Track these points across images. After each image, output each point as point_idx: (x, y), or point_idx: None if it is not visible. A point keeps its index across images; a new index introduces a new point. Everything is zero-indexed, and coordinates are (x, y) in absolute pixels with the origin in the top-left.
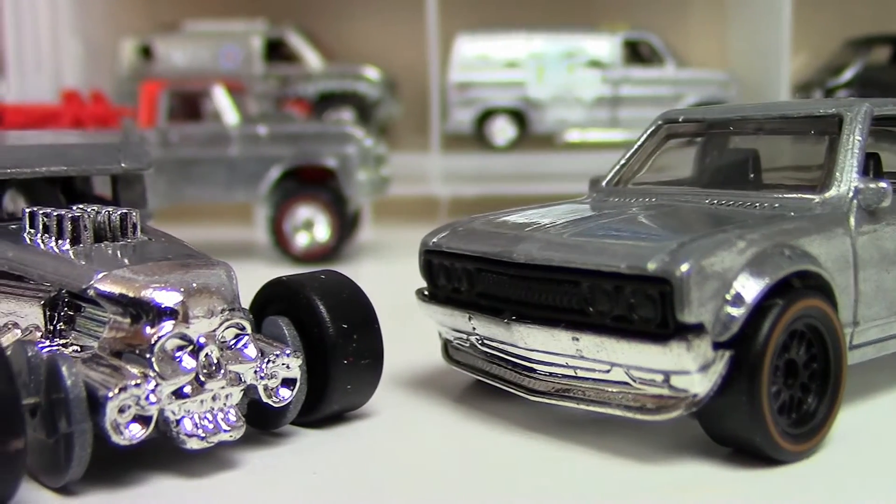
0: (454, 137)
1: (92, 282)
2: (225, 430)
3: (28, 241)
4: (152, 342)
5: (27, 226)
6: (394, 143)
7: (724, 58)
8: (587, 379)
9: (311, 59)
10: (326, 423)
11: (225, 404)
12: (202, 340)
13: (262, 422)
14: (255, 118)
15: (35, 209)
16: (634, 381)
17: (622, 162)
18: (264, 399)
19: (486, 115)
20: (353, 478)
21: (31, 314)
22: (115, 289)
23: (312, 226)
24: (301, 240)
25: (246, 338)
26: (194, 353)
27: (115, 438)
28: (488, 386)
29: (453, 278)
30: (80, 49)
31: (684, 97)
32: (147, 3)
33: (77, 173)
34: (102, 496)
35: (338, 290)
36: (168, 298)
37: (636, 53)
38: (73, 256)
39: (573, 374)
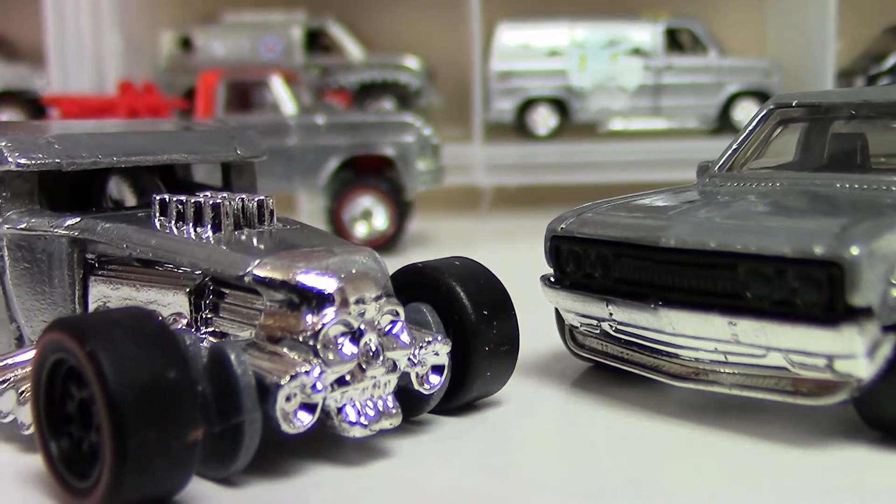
0: (495, 127)
1: (249, 268)
2: (386, 418)
3: (164, 229)
4: (316, 329)
5: (157, 213)
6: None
7: (763, 45)
8: (739, 364)
9: (352, 49)
10: (461, 410)
11: (384, 392)
12: (362, 327)
13: (404, 409)
14: (311, 108)
15: (166, 196)
16: (793, 365)
17: (734, 147)
18: (416, 386)
19: (528, 105)
20: (509, 466)
21: (176, 302)
22: (275, 275)
23: (371, 216)
24: (360, 230)
25: (400, 324)
26: (355, 340)
27: (285, 427)
28: (607, 372)
29: (585, 264)
30: (120, 42)
31: (726, 86)
32: None
33: (196, 161)
34: (263, 486)
35: (475, 277)
36: (329, 285)
37: (676, 42)
38: (222, 244)
39: (723, 359)
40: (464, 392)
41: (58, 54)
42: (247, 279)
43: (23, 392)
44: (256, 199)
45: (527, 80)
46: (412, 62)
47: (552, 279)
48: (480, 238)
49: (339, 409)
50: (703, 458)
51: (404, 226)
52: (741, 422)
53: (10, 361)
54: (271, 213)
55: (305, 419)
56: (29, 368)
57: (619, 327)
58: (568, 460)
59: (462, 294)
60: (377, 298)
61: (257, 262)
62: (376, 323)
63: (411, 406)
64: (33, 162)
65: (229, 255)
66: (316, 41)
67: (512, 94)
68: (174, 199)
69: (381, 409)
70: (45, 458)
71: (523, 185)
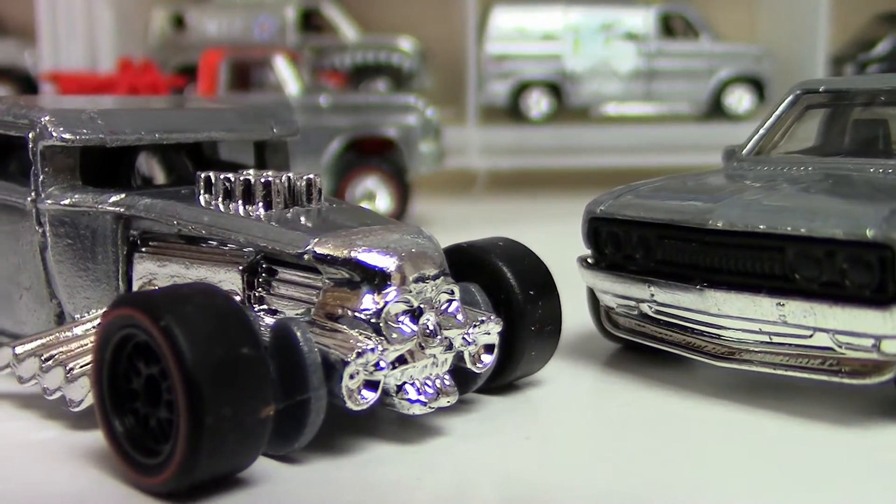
0: (488, 110)
1: (309, 246)
2: (443, 396)
3: (210, 206)
4: (378, 307)
5: (202, 190)
6: None
7: (753, 30)
8: (783, 344)
9: (346, 30)
10: (502, 390)
11: (442, 370)
12: (421, 305)
13: None
14: (314, 88)
15: (212, 174)
16: (839, 346)
17: (761, 133)
18: (469, 365)
19: (522, 88)
20: (557, 444)
21: (228, 279)
22: (336, 253)
23: (374, 197)
24: None
25: (456, 303)
26: (414, 319)
27: (350, 404)
28: (637, 352)
29: (626, 246)
30: (112, 18)
31: (718, 71)
32: None
33: (234, 139)
34: (326, 463)
35: (520, 257)
36: (390, 263)
37: (668, 27)
38: (277, 221)
39: (767, 339)
40: (509, 371)
41: (50, 31)
42: (306, 257)
43: (71, 369)
44: (305, 178)
45: (521, 64)
46: (406, 44)
47: (589, 260)
48: (477, 220)
49: (399, 387)
50: (746, 436)
51: (407, 207)
52: (778, 401)
53: (53, 337)
54: (319, 191)
55: (369, 396)
56: (75, 345)
57: (660, 308)
58: (612, 439)
59: (509, 274)
60: (435, 277)
61: (317, 239)
62: (434, 301)
63: (459, 385)
64: (77, 137)
65: (287, 233)
66: (309, 21)
67: (506, 78)
68: (221, 176)
69: (439, 386)
70: (108, 435)
71: (517, 169)
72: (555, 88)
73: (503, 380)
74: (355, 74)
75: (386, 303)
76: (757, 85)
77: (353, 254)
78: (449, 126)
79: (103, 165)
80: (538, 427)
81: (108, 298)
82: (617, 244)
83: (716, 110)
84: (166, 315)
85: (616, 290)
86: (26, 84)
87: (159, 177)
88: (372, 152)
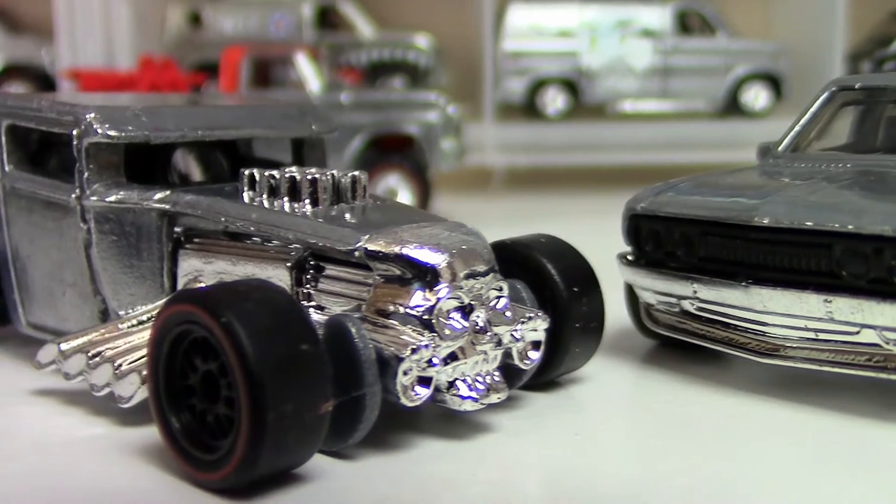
0: (504, 107)
1: (360, 243)
2: (494, 392)
3: (254, 203)
4: (431, 304)
5: (246, 187)
6: None
7: (769, 27)
8: (829, 341)
9: (363, 27)
10: (545, 386)
11: (492, 366)
12: (472, 302)
13: None
14: (334, 85)
15: (255, 171)
16: (886, 342)
17: (796, 130)
18: (516, 361)
19: (539, 85)
20: (604, 442)
21: (276, 276)
22: (387, 249)
23: (396, 194)
24: None
25: (504, 300)
26: (465, 315)
27: (404, 400)
28: (675, 349)
29: (667, 243)
30: (129, 16)
31: (734, 68)
32: None
33: (273, 136)
34: (379, 459)
35: (563, 254)
36: (441, 260)
37: (685, 23)
38: (325, 218)
39: (812, 336)
40: (553, 368)
41: (67, 28)
42: (357, 253)
43: (119, 365)
44: (350, 175)
45: (537, 61)
46: (422, 41)
47: (629, 257)
48: (494, 217)
49: (451, 384)
50: (792, 433)
51: (429, 204)
52: (821, 398)
53: (99, 334)
54: (364, 188)
55: (422, 393)
56: (123, 341)
57: (702, 305)
58: (659, 436)
59: (553, 271)
60: (485, 274)
61: (367, 236)
62: (484, 298)
63: (505, 381)
64: (122, 134)
65: (337, 230)
66: (326, 19)
67: (523, 75)
68: (265, 173)
69: (489, 383)
70: (164, 431)
71: (534, 166)
72: (571, 85)
73: (547, 376)
74: (371, 72)
75: (438, 299)
76: (774, 82)
77: (404, 250)
78: (465, 123)
79: (140, 162)
80: (585, 423)
81: (152, 295)
82: (657, 241)
83: (732, 107)
84: (227, 311)
85: (657, 287)
86: (43, 81)
87: (195, 174)
88: (393, 149)
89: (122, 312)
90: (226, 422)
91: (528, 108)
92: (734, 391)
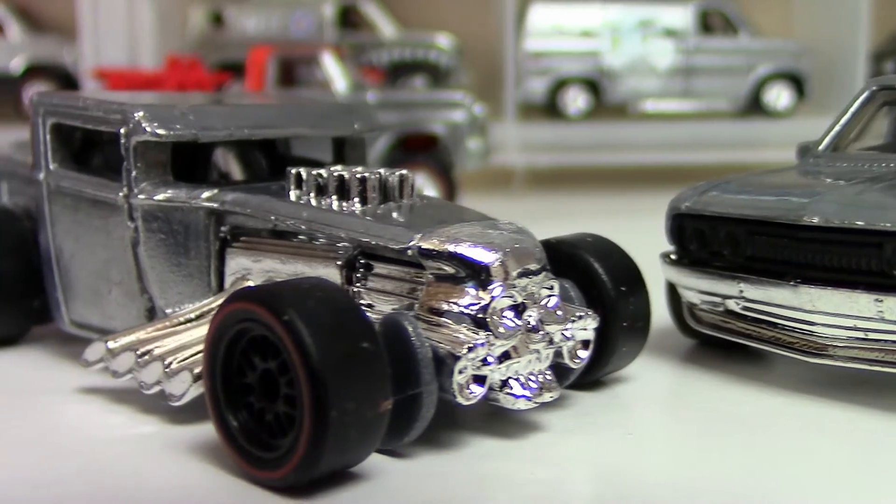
0: (525, 107)
1: (413, 241)
2: (546, 391)
3: (302, 202)
4: (484, 303)
5: (293, 186)
6: None
7: (791, 27)
8: (878, 340)
9: (384, 26)
10: (590, 386)
11: (544, 365)
12: (525, 301)
13: None
14: (360, 85)
15: (302, 170)
16: None
17: (837, 129)
18: (566, 360)
19: (560, 85)
20: (665, 439)
21: (326, 274)
22: (441, 248)
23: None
24: None
25: (555, 298)
26: (518, 314)
27: (460, 399)
28: (715, 348)
29: (712, 242)
30: (152, 16)
31: (757, 68)
32: None
33: (317, 135)
34: (433, 458)
35: (609, 253)
36: (495, 258)
37: (706, 23)
38: (375, 217)
39: (861, 335)
40: (599, 367)
41: (91, 28)
42: (410, 252)
43: (169, 363)
44: (398, 173)
45: (559, 61)
46: (444, 40)
47: (672, 256)
48: (517, 217)
49: (504, 382)
50: (843, 432)
51: None
52: (869, 397)
53: (148, 332)
54: (412, 187)
55: (478, 391)
56: (173, 339)
57: (748, 305)
58: (710, 435)
59: (600, 270)
60: (537, 273)
61: (420, 235)
62: (536, 297)
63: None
64: (171, 133)
65: (390, 229)
66: (347, 18)
67: (544, 74)
68: (313, 172)
69: (541, 381)
70: (221, 429)
71: (555, 166)
72: (592, 85)
73: (593, 376)
74: (392, 71)
75: (492, 298)
76: (796, 81)
77: (458, 249)
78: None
79: (181, 161)
80: (635, 422)
81: (199, 293)
82: (702, 240)
83: (754, 107)
84: (288, 310)
85: (701, 287)
86: (65, 81)
87: (235, 172)
88: (419, 149)
89: (169, 311)
90: (285, 420)
91: (549, 108)
92: (780, 390)
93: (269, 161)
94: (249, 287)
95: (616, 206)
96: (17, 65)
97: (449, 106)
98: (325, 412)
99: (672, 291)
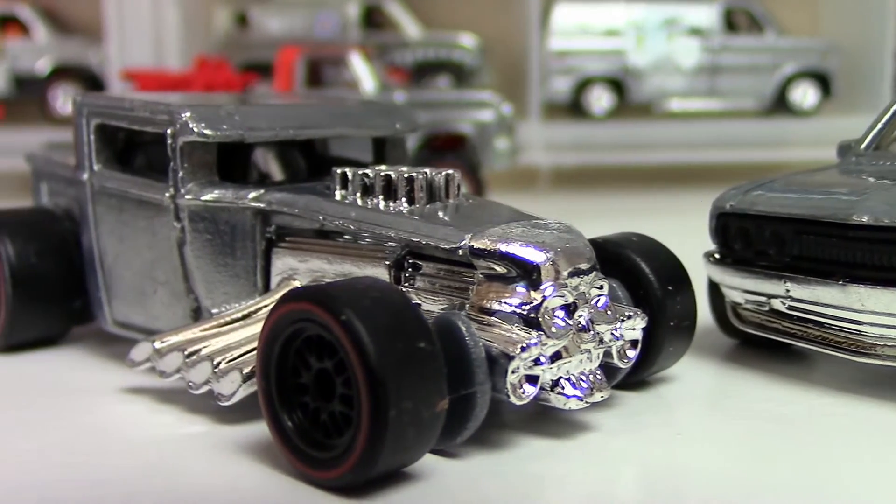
0: (549, 106)
1: (464, 241)
2: (597, 391)
3: (347, 202)
4: (537, 302)
5: (338, 186)
6: None
7: (816, 25)
8: None
9: (408, 26)
10: (634, 386)
11: (595, 365)
12: (576, 301)
13: None
14: (388, 85)
15: (348, 169)
16: None
17: (878, 128)
18: (615, 360)
19: (584, 84)
20: (715, 440)
21: (375, 274)
22: (493, 247)
23: None
24: None
25: (605, 298)
26: (570, 314)
27: (513, 399)
28: (757, 347)
29: (757, 241)
30: (177, 17)
31: (783, 66)
32: None
33: (359, 135)
34: (485, 458)
35: (656, 252)
36: (546, 258)
37: (731, 21)
38: (426, 216)
39: None
40: (646, 367)
41: (117, 29)
42: (461, 251)
43: (218, 363)
44: (444, 173)
45: (583, 60)
46: (467, 40)
47: (716, 256)
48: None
49: (556, 382)
50: (892, 432)
51: None
52: None
53: (195, 332)
54: (458, 186)
55: (530, 391)
56: (221, 339)
57: (794, 304)
58: (760, 436)
59: (647, 269)
60: (588, 272)
61: (471, 234)
62: (587, 296)
63: None
64: (218, 133)
65: (440, 228)
66: (371, 18)
67: (568, 74)
68: (358, 172)
69: (592, 381)
70: (275, 429)
71: (580, 165)
72: (616, 84)
73: (639, 375)
74: (417, 71)
75: (544, 297)
76: (822, 80)
77: (510, 248)
78: None
79: (221, 162)
80: (682, 423)
81: (245, 293)
82: (747, 239)
83: (780, 106)
84: (346, 309)
85: (746, 286)
86: (91, 82)
87: (275, 172)
88: (447, 148)
89: (215, 311)
90: (341, 419)
91: (573, 108)
92: (826, 390)
93: (306, 161)
94: (304, 287)
95: (642, 206)
96: (43, 66)
97: (477, 105)
98: (383, 412)
99: (713, 291)
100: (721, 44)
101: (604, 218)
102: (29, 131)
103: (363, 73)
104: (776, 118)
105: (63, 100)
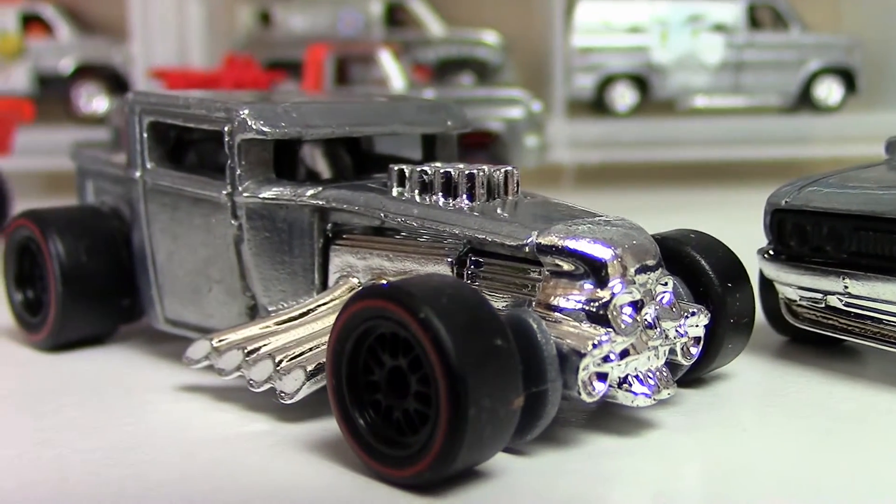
0: (572, 103)
1: (531, 238)
2: (664, 388)
3: (405, 198)
4: (606, 299)
5: (395, 183)
6: None
7: (839, 21)
8: None
9: (431, 24)
10: (691, 383)
11: (661, 362)
12: (643, 297)
13: None
14: (417, 83)
15: (405, 167)
16: None
17: None
18: (679, 357)
19: (608, 81)
20: (781, 437)
21: (437, 271)
22: (560, 244)
23: None
24: None
25: (669, 295)
26: (637, 310)
27: (584, 396)
28: (810, 344)
29: (814, 237)
30: (201, 15)
31: (808, 63)
32: None
33: (411, 132)
34: (554, 456)
35: (714, 249)
36: (614, 254)
37: (756, 18)
38: (488, 213)
39: None
40: (706, 364)
41: (141, 28)
42: (527, 248)
43: (280, 361)
44: (503, 170)
45: (607, 57)
46: (490, 37)
47: (771, 252)
48: None
49: (623, 379)
50: None
51: None
52: None
53: (254, 329)
54: (517, 183)
55: (600, 388)
56: (281, 337)
57: (852, 300)
58: (825, 433)
59: (706, 266)
60: (654, 269)
61: (537, 231)
62: (653, 293)
63: None
64: (276, 130)
65: (506, 225)
66: (394, 16)
67: (592, 71)
68: (417, 168)
69: (659, 378)
70: (347, 428)
71: (604, 163)
72: (640, 81)
73: (699, 372)
74: (440, 69)
75: (613, 294)
76: (847, 76)
77: (577, 246)
78: None
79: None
80: (744, 420)
81: (302, 291)
82: (803, 236)
83: (805, 102)
84: (423, 307)
85: (802, 283)
86: (115, 81)
87: (322, 169)
88: (476, 146)
89: (272, 309)
90: (416, 417)
91: (597, 105)
92: (885, 387)
93: (352, 158)
94: (375, 285)
95: (667, 203)
96: (66, 65)
97: (507, 103)
98: (463, 409)
99: (766, 287)
100: (745, 40)
101: (631, 215)
102: (53, 130)
103: (392, 71)
104: (801, 114)
105: (86, 99)
